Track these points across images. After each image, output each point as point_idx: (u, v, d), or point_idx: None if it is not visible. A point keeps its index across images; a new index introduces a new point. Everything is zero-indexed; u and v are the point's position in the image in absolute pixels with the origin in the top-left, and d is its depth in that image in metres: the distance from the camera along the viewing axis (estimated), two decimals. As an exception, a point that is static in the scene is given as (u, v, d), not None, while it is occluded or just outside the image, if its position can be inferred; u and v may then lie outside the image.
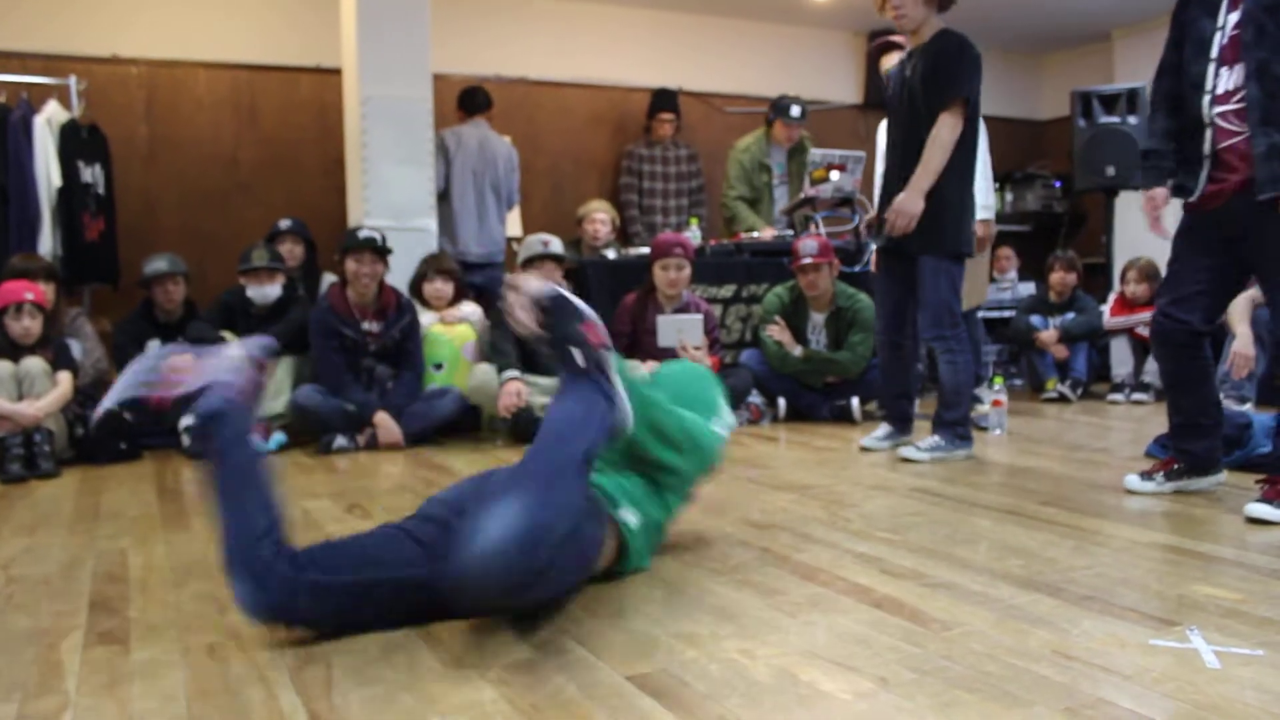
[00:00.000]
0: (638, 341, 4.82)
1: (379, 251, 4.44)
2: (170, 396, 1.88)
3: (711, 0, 7.24)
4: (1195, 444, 2.96)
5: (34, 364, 3.99)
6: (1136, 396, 5.50)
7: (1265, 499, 2.63)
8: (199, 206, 6.13)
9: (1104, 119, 6.56)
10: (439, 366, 4.73)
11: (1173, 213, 2.95)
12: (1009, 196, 8.29)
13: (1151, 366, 5.55)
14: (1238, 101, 2.68)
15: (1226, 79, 2.71)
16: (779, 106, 6.21)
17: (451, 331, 4.77)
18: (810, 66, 7.79)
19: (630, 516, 2.09)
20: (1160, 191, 2.91)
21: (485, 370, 4.51)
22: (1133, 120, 6.50)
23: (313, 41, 6.27)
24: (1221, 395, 3.24)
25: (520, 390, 4.36)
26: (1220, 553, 2.33)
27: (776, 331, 4.97)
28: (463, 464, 3.90)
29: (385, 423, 4.33)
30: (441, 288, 4.82)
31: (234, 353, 1.92)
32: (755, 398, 4.99)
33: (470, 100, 5.89)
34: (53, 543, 2.70)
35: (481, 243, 5.77)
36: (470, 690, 1.59)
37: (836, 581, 2.14)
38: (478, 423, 4.73)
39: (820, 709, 1.49)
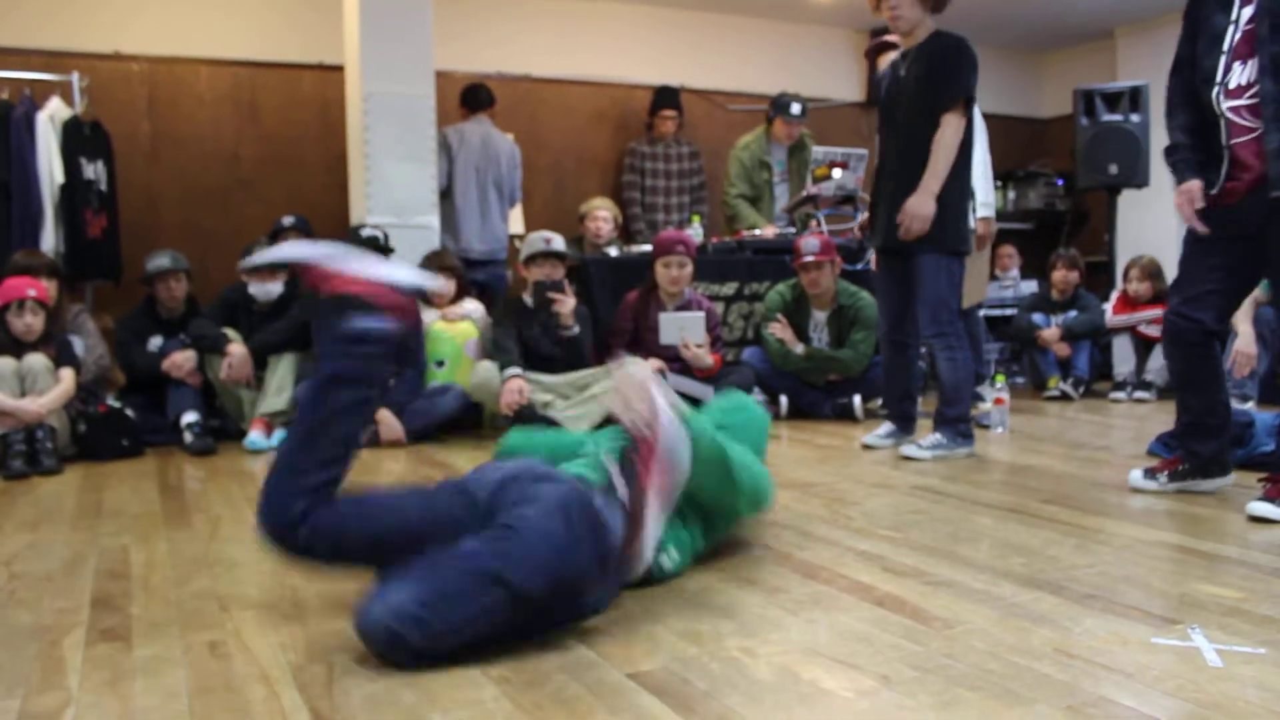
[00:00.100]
0: (640, 339, 4.82)
1: (381, 251, 4.44)
2: (342, 278, 1.81)
3: (714, -3, 7.24)
4: (1202, 445, 2.94)
5: (36, 360, 3.99)
6: (1138, 395, 5.49)
7: (1267, 497, 2.63)
8: (201, 203, 6.14)
9: (1106, 117, 6.55)
10: (441, 364, 4.73)
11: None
12: (1011, 194, 8.28)
13: (1154, 365, 5.55)
14: (1250, 96, 2.65)
15: (1239, 73, 2.68)
16: (779, 104, 6.21)
17: (453, 329, 4.77)
18: (812, 64, 7.79)
19: (668, 560, 2.09)
20: (1195, 184, 2.81)
21: (487, 367, 4.51)
22: (1135, 118, 6.49)
23: (315, 38, 6.26)
24: None
25: (522, 388, 4.36)
26: (1222, 551, 2.33)
27: (779, 329, 4.97)
28: (464, 461, 3.90)
29: (387, 419, 4.33)
30: (443, 286, 4.82)
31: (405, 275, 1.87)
32: (757, 395, 4.98)
33: (473, 97, 5.89)
34: (55, 539, 2.71)
35: (484, 240, 5.77)
36: (471, 688, 1.59)
37: (838, 579, 2.14)
38: (479, 420, 4.73)
39: (822, 707, 1.49)
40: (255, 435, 4.29)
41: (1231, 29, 2.71)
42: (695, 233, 5.55)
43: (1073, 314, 5.90)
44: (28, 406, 3.88)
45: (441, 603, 1.63)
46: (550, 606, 1.71)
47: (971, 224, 3.87)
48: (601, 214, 6.12)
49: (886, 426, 4.04)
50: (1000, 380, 4.51)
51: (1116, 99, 6.56)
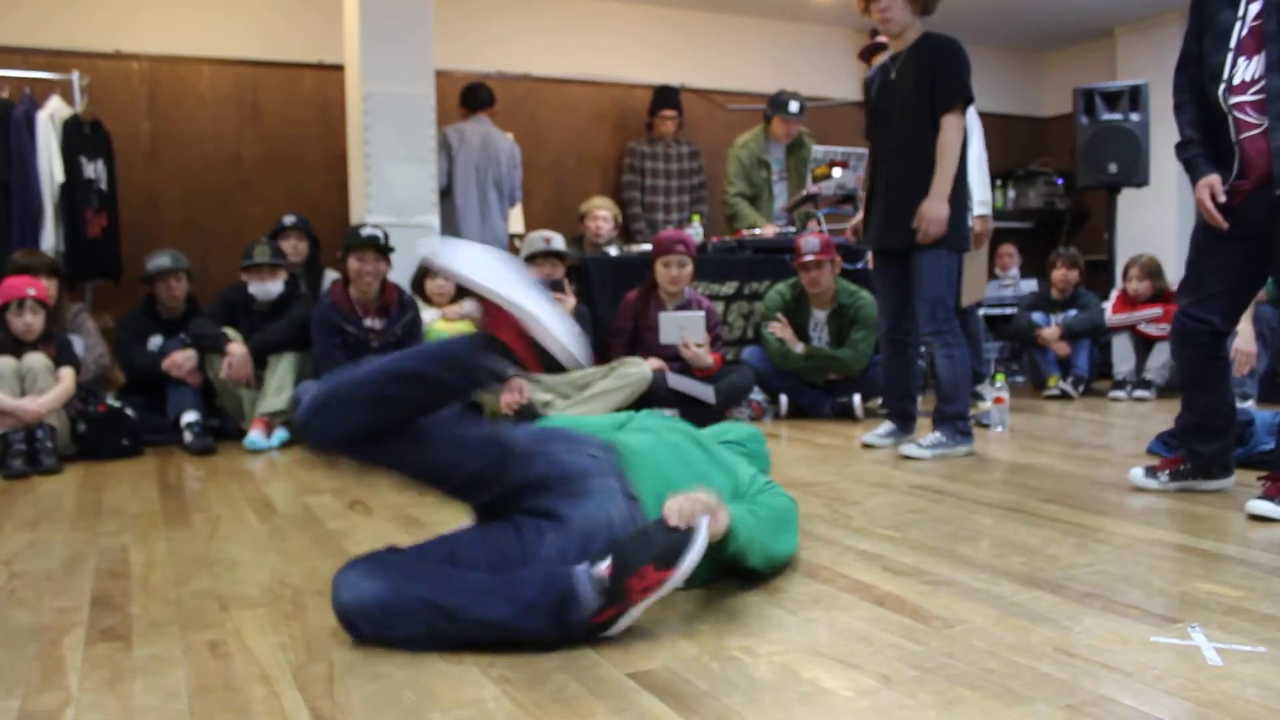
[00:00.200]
0: (640, 338, 4.82)
1: (382, 250, 4.44)
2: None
3: (714, -3, 7.24)
4: (1205, 445, 2.93)
5: (36, 360, 3.99)
6: (1138, 394, 5.49)
7: (1267, 496, 2.63)
8: (201, 202, 6.14)
9: (1106, 116, 6.55)
10: (441, 363, 4.72)
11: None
12: (1011, 193, 8.28)
13: (1153, 363, 5.55)
14: (1255, 93, 2.63)
15: (1245, 69, 2.66)
16: (777, 102, 6.21)
17: (453, 328, 4.77)
18: (812, 63, 7.79)
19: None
20: (1214, 178, 2.76)
21: (487, 367, 4.50)
22: (1135, 117, 6.49)
23: (315, 38, 6.26)
24: None
25: (522, 386, 4.37)
26: (1222, 550, 2.33)
27: (778, 329, 4.97)
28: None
29: (387, 419, 4.32)
30: (444, 284, 4.82)
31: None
32: (757, 395, 4.99)
33: (473, 97, 5.89)
34: (55, 539, 2.71)
35: (484, 239, 5.77)
36: (472, 687, 1.59)
37: (838, 579, 2.14)
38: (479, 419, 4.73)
39: (822, 706, 1.49)
40: (255, 435, 4.29)
41: (1239, 24, 2.68)
42: (695, 232, 5.55)
43: (1072, 313, 5.90)
44: (27, 406, 3.88)
45: (394, 617, 1.75)
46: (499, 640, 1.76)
47: (969, 222, 3.88)
48: (601, 213, 6.12)
49: (886, 426, 4.04)
50: (1000, 379, 4.51)
51: (1116, 98, 6.56)
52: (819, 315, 5.00)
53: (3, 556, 2.52)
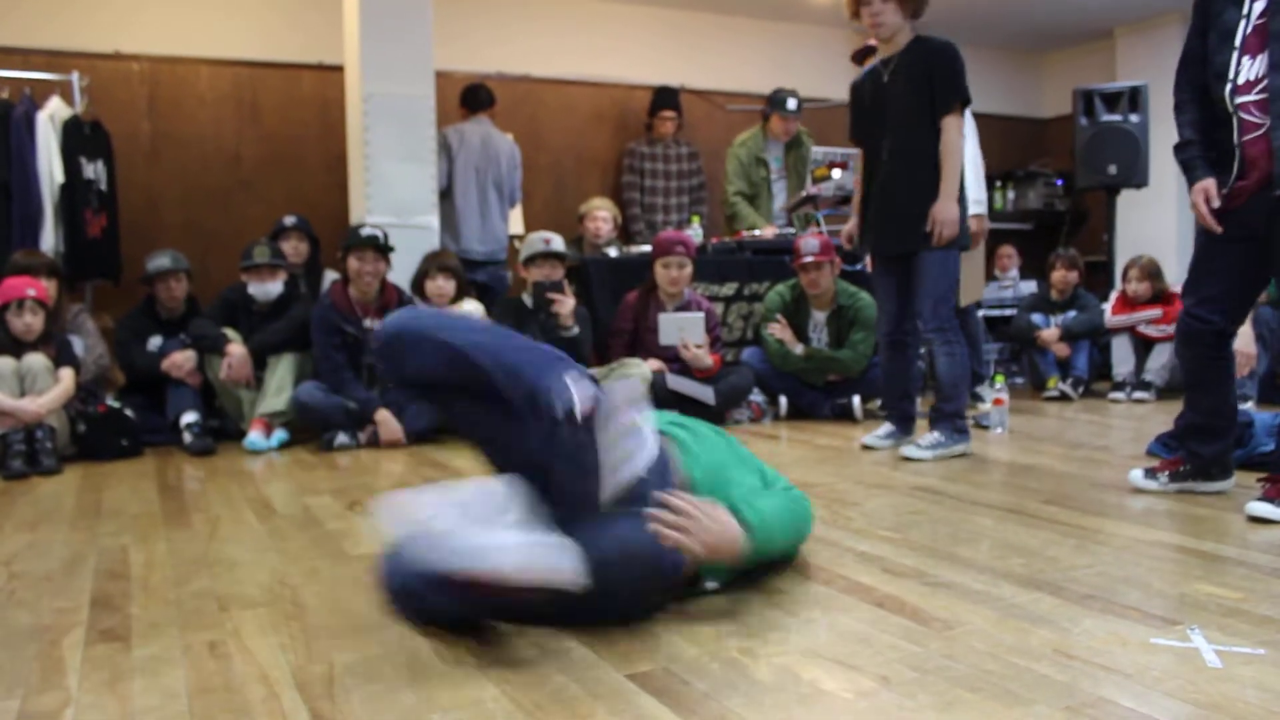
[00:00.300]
0: (639, 339, 4.82)
1: (381, 250, 4.44)
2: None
3: (713, -2, 7.25)
4: (1205, 447, 2.93)
5: (36, 360, 3.99)
6: (1138, 395, 5.50)
7: (1266, 497, 2.63)
8: (201, 203, 6.14)
9: (1106, 117, 6.55)
10: (440, 364, 4.72)
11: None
12: (1011, 194, 8.29)
13: (1153, 365, 5.55)
14: (1259, 92, 2.61)
15: (1249, 68, 2.64)
16: (775, 100, 6.21)
17: (453, 329, 4.76)
18: (811, 64, 7.79)
19: (711, 583, 2.05)
20: (1210, 182, 2.76)
21: (487, 367, 4.50)
22: (1134, 118, 6.49)
23: (315, 38, 6.27)
24: None
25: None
26: (1222, 551, 2.33)
27: (778, 330, 4.97)
28: (464, 462, 3.90)
29: (387, 420, 4.33)
30: (443, 285, 4.81)
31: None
32: (757, 396, 4.99)
33: (473, 97, 5.89)
34: (54, 539, 2.71)
35: (484, 240, 5.77)
36: (472, 688, 1.59)
37: (838, 580, 2.14)
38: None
39: (821, 708, 1.49)
40: (255, 435, 4.29)
41: (1243, 23, 2.66)
42: (695, 233, 5.55)
43: (1072, 314, 5.90)
44: (27, 406, 3.88)
45: (429, 590, 1.71)
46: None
47: (965, 221, 3.88)
48: (601, 214, 6.12)
49: (886, 427, 4.04)
50: (999, 380, 4.51)
51: (1116, 99, 6.57)
52: (818, 316, 5.01)
53: (2, 557, 2.52)
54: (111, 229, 5.39)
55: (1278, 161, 2.56)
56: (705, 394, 4.63)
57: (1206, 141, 2.82)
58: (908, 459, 3.70)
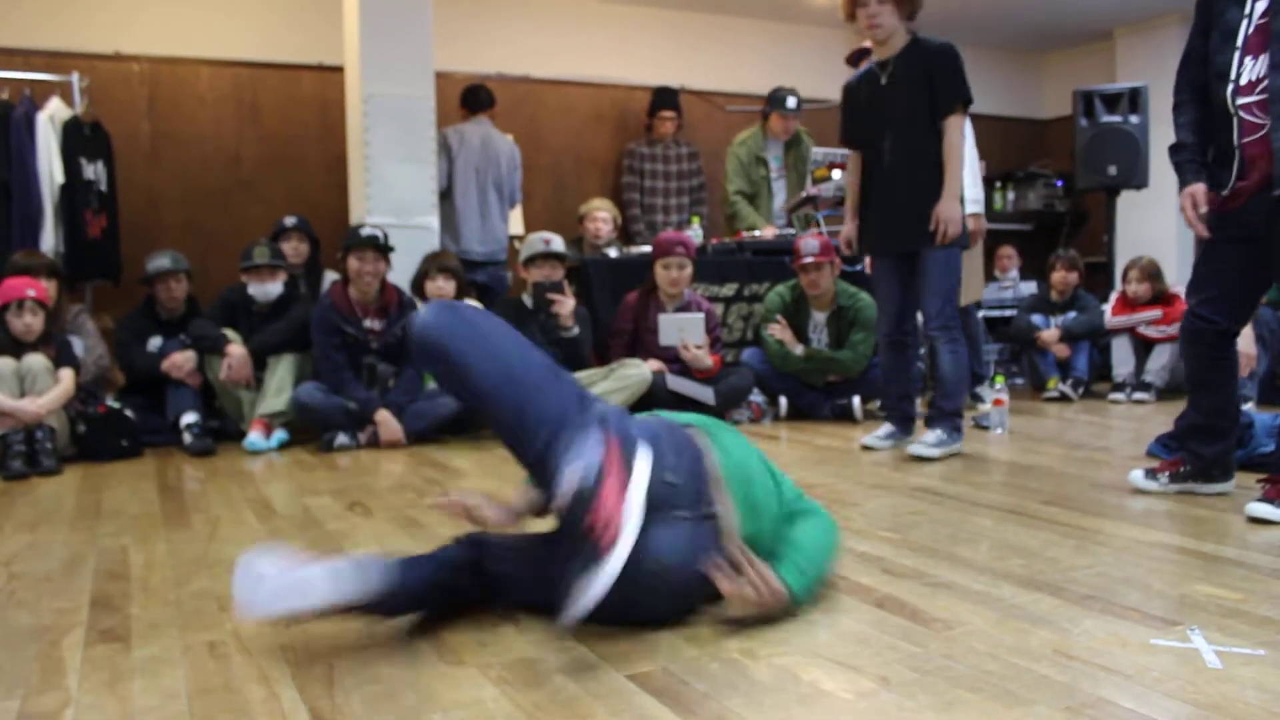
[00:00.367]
0: (639, 340, 4.82)
1: (381, 250, 4.44)
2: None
3: (713, -2, 7.25)
4: (1206, 447, 2.92)
5: (36, 361, 3.99)
6: (1138, 396, 5.50)
7: (1266, 498, 2.63)
8: (201, 203, 6.14)
9: (1106, 118, 6.56)
10: (440, 364, 4.72)
11: (1179, 213, 2.88)
12: (1011, 195, 8.29)
13: (1153, 366, 5.55)
14: (1260, 92, 2.60)
15: (1251, 69, 2.63)
16: (774, 99, 6.21)
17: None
18: (810, 65, 7.79)
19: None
20: (1199, 187, 2.78)
21: (487, 368, 4.50)
22: (1134, 119, 6.50)
23: (315, 39, 6.27)
24: None
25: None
26: (1222, 552, 2.33)
27: (778, 330, 4.97)
28: (464, 462, 3.90)
29: (387, 420, 4.33)
30: (443, 285, 4.82)
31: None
32: (757, 396, 4.99)
33: (473, 98, 5.89)
34: (54, 540, 2.71)
35: (484, 241, 5.78)
36: (472, 688, 1.59)
37: (838, 580, 2.14)
38: (479, 421, 4.73)
39: (821, 708, 1.49)
40: (254, 436, 4.29)
41: (1245, 22, 2.65)
42: (695, 234, 5.55)
43: (1072, 315, 5.90)
44: (27, 407, 3.88)
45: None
46: None
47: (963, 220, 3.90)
48: (601, 215, 6.13)
49: (886, 427, 4.04)
50: (999, 381, 4.51)
51: (1116, 100, 6.57)
52: (818, 317, 5.01)
53: (2, 557, 2.52)
54: (111, 229, 5.39)
55: (1278, 162, 2.55)
56: (705, 395, 4.63)
57: (1202, 144, 2.82)
58: (917, 457, 3.70)
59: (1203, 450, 2.93)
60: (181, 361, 4.41)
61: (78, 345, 4.33)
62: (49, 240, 5.09)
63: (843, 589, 2.08)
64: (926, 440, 3.75)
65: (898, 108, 3.74)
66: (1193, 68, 2.83)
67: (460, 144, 5.71)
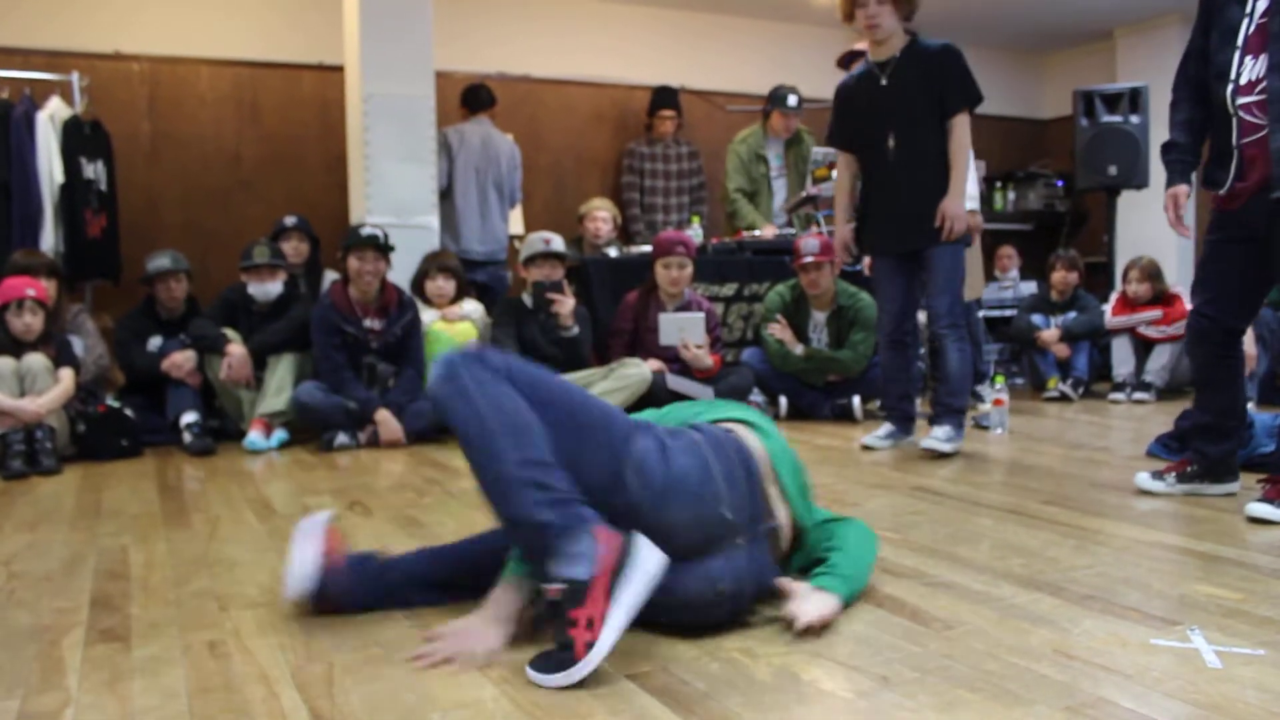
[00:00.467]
0: (639, 339, 4.82)
1: (381, 249, 4.44)
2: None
3: (714, -2, 7.25)
4: (1213, 447, 2.92)
5: (36, 360, 3.99)
6: (1138, 396, 5.50)
7: (1266, 498, 2.63)
8: (201, 203, 6.14)
9: (1106, 118, 6.56)
10: (440, 364, 4.72)
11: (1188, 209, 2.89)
12: (1011, 195, 8.29)
13: (1153, 365, 5.55)
14: (1259, 92, 2.60)
15: (1251, 68, 2.63)
16: (775, 97, 6.21)
17: (453, 329, 4.77)
18: (811, 64, 7.78)
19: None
20: (1182, 188, 2.82)
21: (487, 368, 4.50)
22: (1135, 119, 6.50)
23: (315, 39, 6.27)
24: None
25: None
26: (1221, 552, 2.33)
27: (778, 330, 4.97)
28: (464, 462, 3.89)
29: (387, 420, 4.33)
30: (443, 285, 4.82)
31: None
32: (757, 396, 4.99)
33: (474, 98, 5.89)
34: (54, 539, 2.71)
35: (484, 241, 5.78)
36: (471, 688, 1.59)
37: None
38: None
39: (821, 708, 1.49)
40: (254, 435, 4.29)
41: (1246, 22, 2.65)
42: (695, 233, 5.55)
43: (1072, 315, 5.90)
44: (27, 406, 3.88)
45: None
46: None
47: None
48: (601, 214, 6.12)
49: (886, 427, 4.04)
50: (1000, 381, 4.51)
51: (1116, 100, 6.57)
52: (818, 317, 5.00)
53: (2, 557, 2.52)
54: (111, 229, 5.39)
55: (1277, 164, 2.55)
56: (705, 394, 4.63)
57: (1194, 144, 2.85)
58: (931, 451, 3.72)
59: (1209, 450, 2.93)
60: (181, 361, 4.41)
61: (77, 345, 4.32)
62: (49, 240, 5.09)
63: (843, 589, 2.08)
64: (938, 435, 3.76)
65: (901, 107, 3.74)
66: (1193, 65, 2.83)
67: (460, 143, 5.71)
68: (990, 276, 6.97)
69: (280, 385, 4.40)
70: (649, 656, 1.70)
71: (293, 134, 6.37)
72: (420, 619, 1.92)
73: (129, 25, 5.96)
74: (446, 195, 5.62)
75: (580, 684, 1.57)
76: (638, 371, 4.55)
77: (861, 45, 5.15)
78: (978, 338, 5.52)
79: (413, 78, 5.18)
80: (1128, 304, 5.71)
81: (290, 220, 5.16)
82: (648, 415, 2.08)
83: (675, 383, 4.63)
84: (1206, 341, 2.86)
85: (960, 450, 3.80)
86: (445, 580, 1.99)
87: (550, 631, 1.65)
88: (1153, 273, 5.64)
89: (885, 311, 4.01)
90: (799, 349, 4.94)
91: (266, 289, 4.59)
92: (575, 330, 4.65)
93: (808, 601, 1.84)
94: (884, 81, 3.78)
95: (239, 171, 6.26)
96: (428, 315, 4.76)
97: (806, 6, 7.37)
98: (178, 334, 4.60)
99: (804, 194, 5.84)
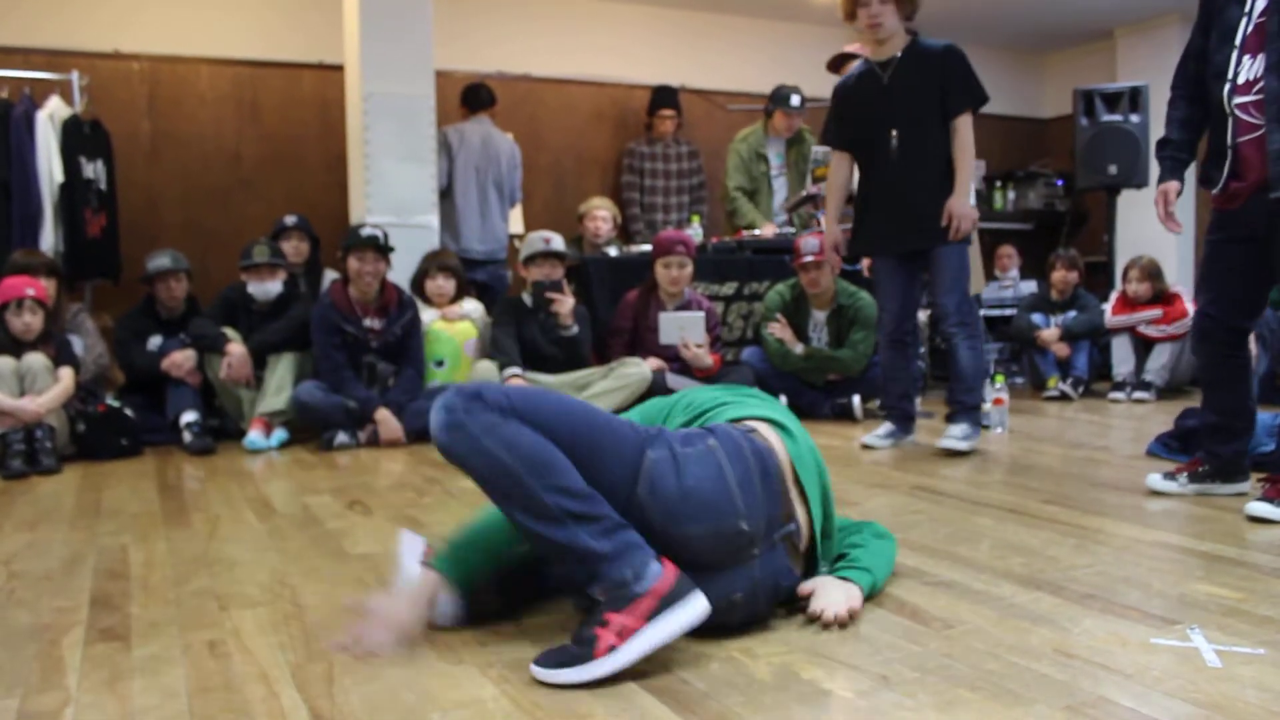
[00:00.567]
0: (639, 338, 4.82)
1: (381, 250, 4.44)
2: None
3: (713, -3, 7.25)
4: (1224, 447, 2.91)
5: (35, 360, 3.99)
6: (1138, 395, 5.49)
7: (1266, 498, 2.63)
8: (201, 202, 6.14)
9: (1106, 117, 6.55)
10: (440, 363, 4.73)
11: (1179, 213, 2.89)
12: (1011, 195, 8.29)
13: (1153, 365, 5.55)
14: (1257, 92, 2.60)
15: (1248, 68, 2.63)
16: (778, 96, 6.20)
17: (453, 328, 4.77)
18: (811, 64, 7.74)
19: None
20: (1173, 185, 2.84)
21: (487, 367, 4.51)
22: (1135, 119, 6.50)
23: (315, 38, 6.27)
24: None
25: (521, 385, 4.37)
26: (1221, 551, 2.33)
27: (778, 329, 4.97)
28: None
29: (387, 419, 4.33)
30: (443, 284, 4.82)
31: None
32: (756, 395, 4.98)
33: (474, 97, 5.89)
34: (54, 539, 2.71)
35: (484, 240, 5.77)
36: (471, 687, 1.59)
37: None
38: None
39: (821, 707, 1.49)
40: (254, 435, 4.29)
41: (1244, 21, 2.65)
42: (695, 233, 5.55)
43: (1072, 314, 5.90)
44: (26, 406, 3.88)
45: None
46: None
47: None
48: (600, 214, 6.12)
49: (886, 426, 4.04)
50: (1000, 380, 4.51)
51: (1116, 99, 6.57)
52: (818, 316, 5.00)
53: (2, 556, 2.52)
54: (111, 228, 5.39)
55: (1274, 165, 2.55)
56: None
57: (1189, 141, 2.87)
58: (948, 451, 3.73)
59: (1220, 450, 2.92)
60: (181, 360, 4.41)
61: (77, 344, 4.32)
62: (48, 239, 5.09)
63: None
64: (954, 434, 3.77)
65: (903, 107, 3.75)
66: (1192, 64, 2.83)
67: (460, 143, 5.70)
68: (990, 276, 6.97)
69: (280, 384, 4.40)
70: (649, 656, 1.70)
71: (293, 133, 6.37)
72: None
73: (129, 24, 5.96)
74: (446, 194, 5.62)
75: (581, 684, 1.57)
76: (637, 371, 4.55)
77: (852, 48, 5.18)
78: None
79: (413, 77, 5.18)
80: (1128, 303, 5.71)
81: (290, 219, 5.16)
82: (677, 401, 2.06)
83: (675, 382, 4.62)
84: (1211, 341, 2.86)
85: (977, 448, 3.81)
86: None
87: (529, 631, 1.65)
88: (1153, 272, 5.64)
89: (886, 311, 4.01)
90: (799, 348, 4.94)
91: (266, 288, 4.59)
92: (575, 329, 4.65)
93: (833, 593, 1.85)
94: (886, 81, 3.79)
95: (239, 171, 6.26)
96: (428, 314, 4.76)
97: (806, 6, 7.37)
98: (178, 333, 4.60)
99: (804, 193, 5.84)
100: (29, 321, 4.04)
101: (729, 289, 5.39)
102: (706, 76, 7.50)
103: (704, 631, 1.80)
